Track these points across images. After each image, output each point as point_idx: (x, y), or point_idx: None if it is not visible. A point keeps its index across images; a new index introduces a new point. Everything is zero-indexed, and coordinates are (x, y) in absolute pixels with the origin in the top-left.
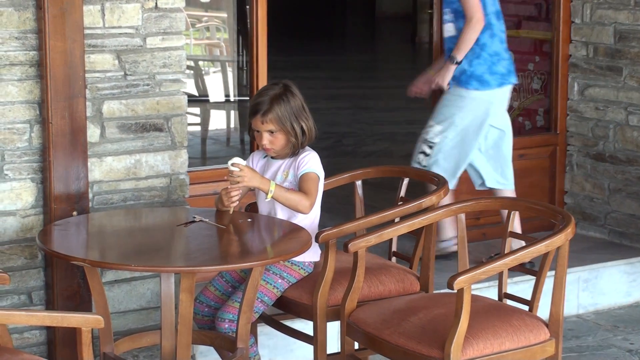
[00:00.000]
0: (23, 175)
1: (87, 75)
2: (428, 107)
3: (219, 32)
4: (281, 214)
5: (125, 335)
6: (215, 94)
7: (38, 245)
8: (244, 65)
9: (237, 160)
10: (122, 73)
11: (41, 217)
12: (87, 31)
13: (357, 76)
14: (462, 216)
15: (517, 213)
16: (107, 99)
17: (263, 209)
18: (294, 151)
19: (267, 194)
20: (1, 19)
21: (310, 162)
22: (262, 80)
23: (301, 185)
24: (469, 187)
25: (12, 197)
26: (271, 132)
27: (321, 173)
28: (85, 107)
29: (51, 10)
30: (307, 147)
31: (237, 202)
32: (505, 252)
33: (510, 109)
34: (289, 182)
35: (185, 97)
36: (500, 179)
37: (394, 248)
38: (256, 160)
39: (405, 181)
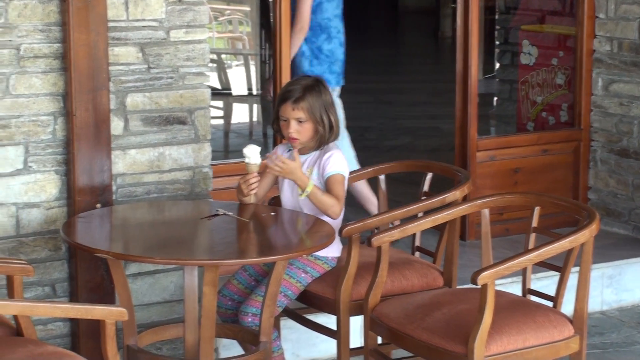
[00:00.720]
0: (47, 167)
1: (110, 68)
2: (452, 103)
3: (242, 26)
4: (306, 210)
5: (148, 327)
6: (238, 87)
7: (62, 238)
8: (267, 59)
9: (251, 147)
10: (146, 66)
11: (65, 210)
12: (110, 24)
13: (379, 70)
14: (486, 211)
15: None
16: (130, 91)
17: (287, 203)
18: (319, 144)
19: (302, 191)
20: (25, 12)
21: (337, 162)
22: (285, 74)
23: (330, 188)
24: (492, 182)
25: (36, 189)
26: (299, 121)
27: (347, 172)
28: (109, 100)
29: (75, 2)
30: (332, 145)
31: (256, 189)
32: (529, 248)
33: (534, 104)
34: (312, 179)
35: (209, 90)
36: None
37: (417, 243)
38: (279, 153)
39: (429, 176)
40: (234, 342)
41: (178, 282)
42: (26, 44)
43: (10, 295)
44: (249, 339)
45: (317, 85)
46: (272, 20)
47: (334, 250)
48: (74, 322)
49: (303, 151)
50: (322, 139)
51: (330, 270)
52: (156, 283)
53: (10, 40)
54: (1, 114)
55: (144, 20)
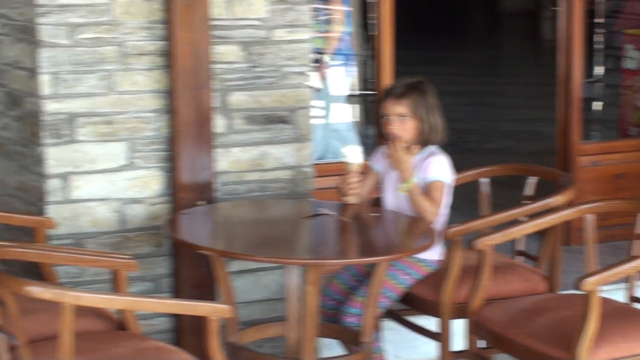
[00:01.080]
0: (151, 163)
1: (213, 66)
2: (553, 106)
3: (342, 26)
4: (408, 211)
5: (249, 325)
6: (338, 87)
7: (165, 234)
8: (368, 59)
9: (352, 147)
10: (248, 65)
11: (168, 206)
12: (213, 22)
13: (479, 72)
14: (590, 217)
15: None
16: (233, 90)
17: (389, 204)
18: (423, 144)
19: (404, 184)
20: (130, 9)
21: (440, 168)
22: (387, 75)
23: (429, 192)
24: (595, 188)
25: (140, 185)
26: (402, 117)
27: (449, 179)
28: (211, 98)
29: (179, 1)
30: (436, 149)
31: (357, 190)
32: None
33: (637, 109)
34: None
35: (310, 90)
36: None
37: (519, 247)
38: (383, 155)
39: (533, 180)
40: (335, 341)
41: (279, 280)
42: (131, 41)
43: (115, 289)
44: (350, 340)
45: (421, 84)
46: (373, 20)
47: (435, 253)
48: (176, 318)
49: (408, 152)
50: (425, 140)
51: (432, 272)
52: (258, 281)
53: (115, 37)
54: (106, 110)
55: (246, 19)
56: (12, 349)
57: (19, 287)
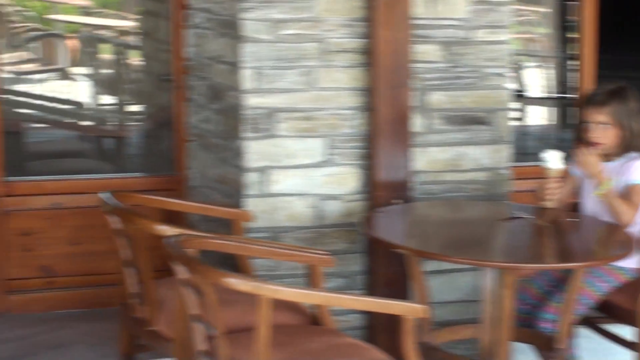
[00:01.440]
0: (348, 160)
1: (413, 65)
2: None
3: (538, 27)
4: (606, 218)
5: (441, 326)
6: (535, 89)
7: (361, 231)
8: (566, 62)
9: (552, 152)
10: (447, 64)
11: (364, 203)
12: (414, 21)
13: None
14: None
15: None
16: (432, 89)
17: (588, 209)
18: (624, 150)
19: (600, 186)
20: (332, 6)
21: None
22: (588, 79)
23: (629, 195)
24: None
25: (337, 182)
26: (602, 125)
27: None
28: (410, 97)
29: None
30: (637, 154)
31: (556, 195)
32: None
33: None
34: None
35: (509, 91)
36: None
37: None
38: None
39: None
40: (527, 346)
41: (472, 282)
42: (334, 38)
43: (311, 284)
44: (544, 345)
45: (622, 91)
46: (572, 22)
47: (634, 261)
48: (368, 315)
49: (606, 158)
50: (627, 146)
51: (630, 280)
52: (452, 282)
53: (317, 34)
54: (305, 106)
55: (447, 19)
56: (210, 338)
57: (218, 278)
